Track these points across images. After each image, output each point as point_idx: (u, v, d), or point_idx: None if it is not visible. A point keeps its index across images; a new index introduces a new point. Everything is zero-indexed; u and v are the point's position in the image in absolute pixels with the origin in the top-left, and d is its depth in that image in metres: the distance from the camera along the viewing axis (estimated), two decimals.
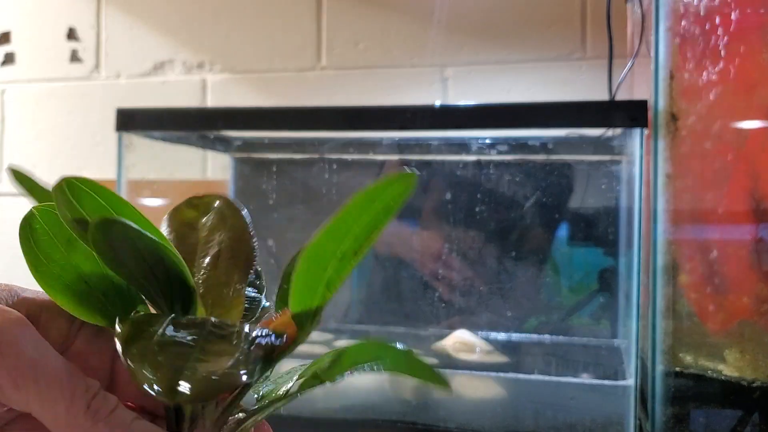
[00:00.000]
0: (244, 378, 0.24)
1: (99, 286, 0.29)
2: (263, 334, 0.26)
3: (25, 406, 0.27)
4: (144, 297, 0.29)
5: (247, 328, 0.26)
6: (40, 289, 0.30)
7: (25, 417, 0.28)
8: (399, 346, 0.31)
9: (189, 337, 0.25)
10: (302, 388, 0.29)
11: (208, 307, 0.30)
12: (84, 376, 0.28)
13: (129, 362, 0.24)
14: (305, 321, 0.28)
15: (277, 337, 0.27)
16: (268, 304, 0.32)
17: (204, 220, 0.33)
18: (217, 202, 0.33)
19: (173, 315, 0.27)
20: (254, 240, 0.32)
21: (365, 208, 0.24)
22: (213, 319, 0.26)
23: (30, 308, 0.30)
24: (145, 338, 0.25)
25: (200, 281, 0.31)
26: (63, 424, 0.27)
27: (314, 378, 0.29)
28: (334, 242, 0.25)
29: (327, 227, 0.24)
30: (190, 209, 0.33)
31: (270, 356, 0.26)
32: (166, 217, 0.33)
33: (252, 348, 0.25)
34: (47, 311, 0.30)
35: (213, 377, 0.23)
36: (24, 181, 0.28)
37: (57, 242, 0.28)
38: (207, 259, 0.31)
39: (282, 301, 0.32)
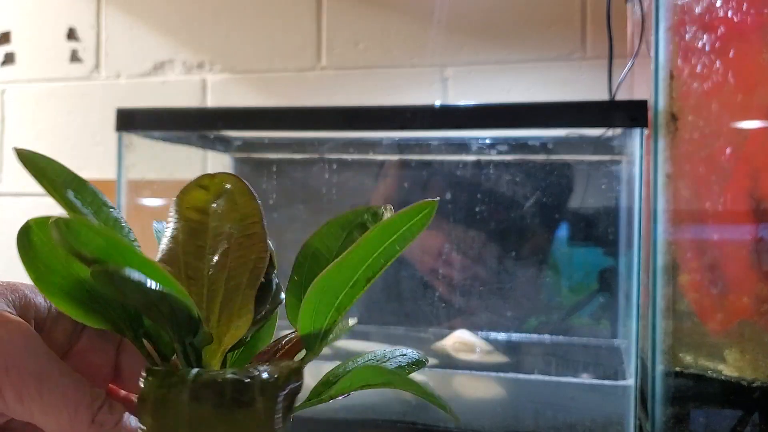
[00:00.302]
0: None
1: (101, 293, 0.29)
2: (279, 380, 0.25)
3: (29, 418, 0.27)
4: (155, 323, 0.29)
5: (266, 379, 0.24)
6: None
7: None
8: (414, 356, 0.30)
9: (213, 409, 0.23)
10: (308, 402, 0.29)
11: (216, 312, 0.29)
12: (90, 386, 0.28)
13: None
14: (314, 342, 0.28)
15: (297, 379, 0.25)
16: (283, 296, 0.31)
17: (215, 205, 0.31)
18: (228, 185, 0.31)
19: (191, 376, 0.25)
20: (266, 232, 0.30)
21: (382, 239, 0.23)
22: (230, 375, 0.25)
23: (37, 312, 0.30)
24: (168, 421, 0.23)
25: (209, 282, 0.30)
26: None
27: (326, 385, 0.29)
28: (348, 271, 0.24)
29: (343, 258, 0.24)
30: (201, 191, 0.31)
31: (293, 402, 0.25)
32: (174, 199, 0.31)
33: (281, 414, 0.24)
34: (52, 313, 0.30)
35: None
36: (31, 165, 0.28)
37: (56, 253, 0.28)
38: (216, 257, 0.30)
39: (292, 294, 0.31)
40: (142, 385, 0.25)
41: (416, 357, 0.31)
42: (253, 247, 0.30)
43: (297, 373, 0.25)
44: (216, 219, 0.31)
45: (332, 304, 0.26)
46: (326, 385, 0.29)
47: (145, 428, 0.23)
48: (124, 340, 0.32)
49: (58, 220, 0.24)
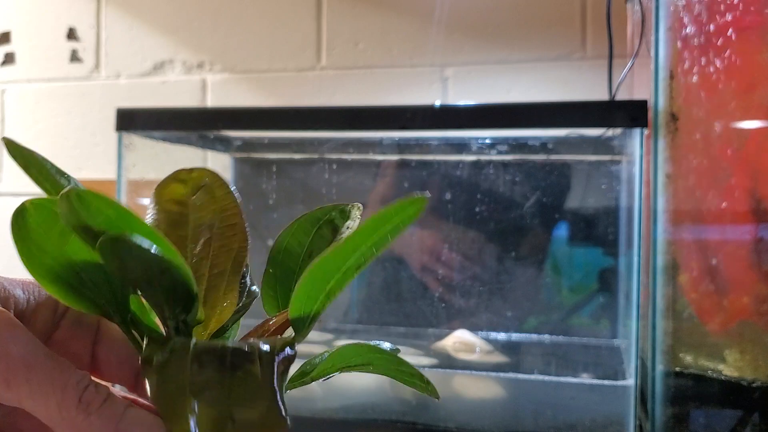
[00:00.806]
0: (288, 420, 0.25)
1: (91, 276, 0.29)
2: (275, 348, 0.27)
3: (17, 403, 0.28)
4: (144, 298, 0.29)
5: (264, 348, 0.26)
6: (27, 277, 0.30)
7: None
8: (387, 347, 0.31)
9: (214, 373, 0.25)
10: (290, 384, 0.29)
11: (201, 298, 0.30)
12: (74, 368, 0.29)
13: (162, 406, 0.24)
14: (302, 325, 0.29)
15: (291, 348, 0.27)
16: (255, 288, 0.33)
17: (194, 198, 0.32)
18: (207, 179, 0.32)
19: (191, 344, 0.27)
20: (245, 224, 0.32)
21: (375, 229, 0.24)
22: (230, 345, 0.26)
23: (16, 303, 0.30)
24: (172, 382, 0.25)
25: (193, 270, 0.30)
26: (56, 419, 0.28)
27: (302, 375, 0.29)
28: (341, 258, 0.25)
29: (336, 245, 0.25)
30: (179, 184, 0.32)
31: (287, 370, 0.27)
32: (152, 193, 0.32)
33: (277, 378, 0.26)
34: (31, 305, 0.31)
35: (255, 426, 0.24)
36: (19, 154, 0.28)
37: (50, 235, 0.28)
38: (198, 247, 0.31)
39: (268, 286, 0.32)
40: (143, 350, 0.26)
41: (390, 346, 0.32)
42: (235, 237, 0.31)
43: (291, 344, 0.27)
44: (196, 211, 0.32)
45: (323, 290, 0.27)
46: (303, 375, 0.29)
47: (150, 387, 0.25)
48: (101, 330, 0.32)
49: (70, 192, 0.24)
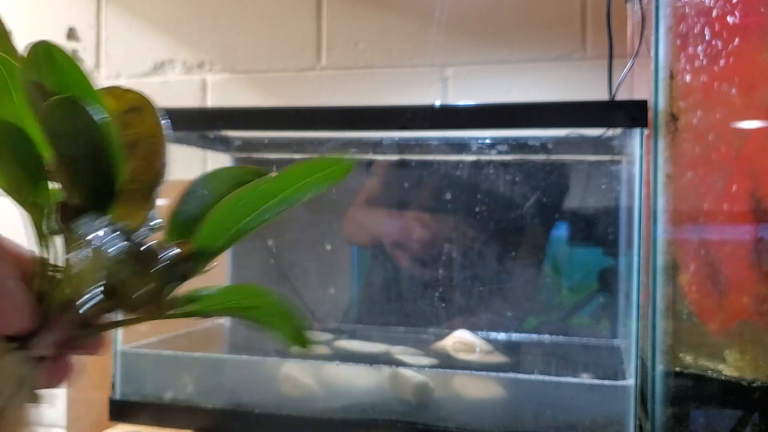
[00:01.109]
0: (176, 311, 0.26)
1: (14, 143, 0.29)
2: (161, 247, 0.28)
3: None
4: (63, 176, 0.28)
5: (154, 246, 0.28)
6: None
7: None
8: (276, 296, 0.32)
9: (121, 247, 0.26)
10: (178, 305, 0.30)
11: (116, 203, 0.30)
12: None
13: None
14: (204, 258, 0.29)
15: (176, 250, 0.28)
16: (160, 220, 0.33)
17: (124, 116, 0.32)
18: (140, 103, 0.32)
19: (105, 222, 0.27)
20: (167, 154, 0.33)
21: (300, 177, 0.25)
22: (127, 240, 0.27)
23: None
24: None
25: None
26: None
27: (187, 301, 0.30)
28: (259, 198, 0.26)
29: (257, 183, 0.25)
30: (113, 99, 0.32)
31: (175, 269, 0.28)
32: None
33: (164, 270, 0.27)
34: None
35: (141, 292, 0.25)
36: None
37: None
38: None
39: (174, 219, 0.33)
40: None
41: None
42: (155, 162, 0.32)
43: (185, 257, 0.28)
44: (123, 127, 0.32)
45: (234, 227, 0.27)
46: (188, 301, 0.30)
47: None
48: None
49: (39, 44, 0.24)
